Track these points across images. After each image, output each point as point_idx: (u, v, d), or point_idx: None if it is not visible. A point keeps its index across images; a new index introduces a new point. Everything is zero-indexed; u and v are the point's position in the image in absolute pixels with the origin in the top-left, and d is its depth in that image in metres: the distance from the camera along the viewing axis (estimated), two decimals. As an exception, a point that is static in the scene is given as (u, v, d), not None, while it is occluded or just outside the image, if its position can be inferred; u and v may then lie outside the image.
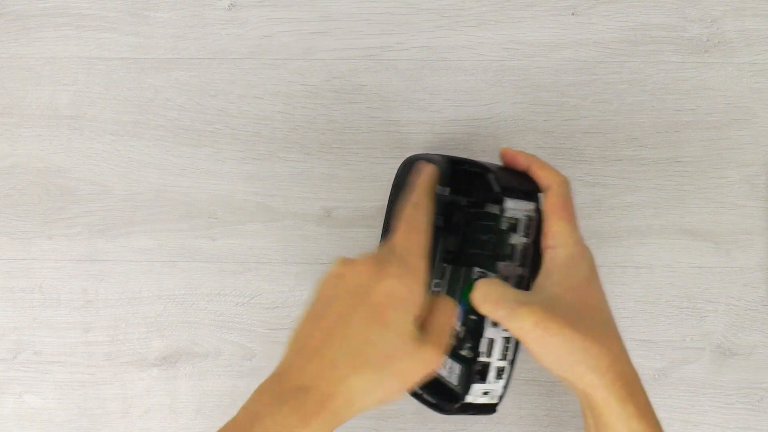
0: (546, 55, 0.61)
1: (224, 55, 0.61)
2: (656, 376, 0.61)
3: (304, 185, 0.61)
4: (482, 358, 0.47)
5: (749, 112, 0.61)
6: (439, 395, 0.49)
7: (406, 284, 0.40)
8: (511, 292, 0.44)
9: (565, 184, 0.47)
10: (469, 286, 0.47)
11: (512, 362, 0.47)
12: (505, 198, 0.46)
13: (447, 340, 0.41)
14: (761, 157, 0.61)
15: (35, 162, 0.61)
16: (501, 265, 0.47)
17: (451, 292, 0.52)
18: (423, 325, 0.41)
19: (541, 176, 0.47)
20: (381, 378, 0.39)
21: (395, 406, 0.61)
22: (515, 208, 0.46)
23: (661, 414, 0.61)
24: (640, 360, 0.61)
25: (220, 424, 0.41)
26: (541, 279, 0.45)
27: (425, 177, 0.46)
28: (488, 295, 0.44)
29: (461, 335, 0.49)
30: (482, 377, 0.47)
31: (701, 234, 0.61)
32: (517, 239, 0.47)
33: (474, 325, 0.48)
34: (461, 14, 0.61)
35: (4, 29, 0.61)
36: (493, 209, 0.49)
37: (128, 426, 0.61)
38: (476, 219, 0.50)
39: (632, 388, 0.44)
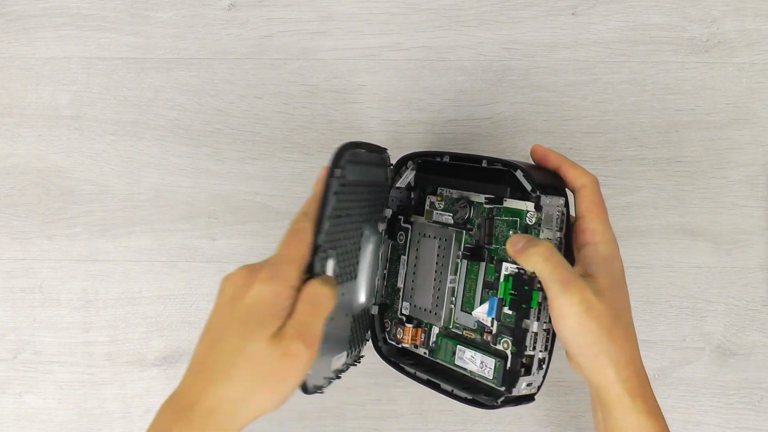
0: (546, 55, 0.61)
1: (224, 55, 0.61)
2: (656, 376, 0.61)
3: (304, 185, 0.61)
4: (528, 351, 0.48)
5: (749, 112, 0.61)
6: (472, 391, 0.50)
7: (273, 288, 0.40)
8: (568, 263, 0.46)
9: (598, 183, 0.49)
10: (507, 284, 0.49)
11: (551, 351, 0.49)
12: (540, 195, 0.47)
13: (313, 330, 0.41)
14: (761, 157, 0.61)
15: (35, 162, 0.61)
16: None
17: (469, 288, 0.52)
18: (288, 321, 0.41)
19: (574, 176, 0.49)
20: (253, 385, 0.39)
21: (395, 406, 0.61)
22: (549, 204, 0.48)
23: (661, 414, 0.61)
24: (640, 360, 0.61)
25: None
26: (582, 269, 0.47)
27: (320, 185, 0.44)
28: (552, 256, 0.45)
29: (494, 330, 0.50)
30: (527, 370, 0.48)
31: (701, 234, 0.61)
32: (551, 234, 0.48)
33: (508, 320, 0.49)
34: (461, 14, 0.61)
35: (4, 29, 0.61)
36: (517, 205, 0.50)
37: (128, 426, 0.61)
38: (496, 215, 0.51)
39: (645, 388, 0.46)
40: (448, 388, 0.52)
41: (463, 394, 0.51)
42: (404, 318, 0.56)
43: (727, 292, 0.61)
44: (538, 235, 0.48)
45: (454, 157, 0.53)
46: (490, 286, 0.51)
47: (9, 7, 0.61)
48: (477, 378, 0.51)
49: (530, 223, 0.49)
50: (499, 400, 0.49)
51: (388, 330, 0.56)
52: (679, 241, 0.61)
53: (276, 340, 0.39)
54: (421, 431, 0.61)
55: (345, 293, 0.50)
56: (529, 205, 0.49)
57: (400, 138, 0.61)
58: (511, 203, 0.50)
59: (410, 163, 0.55)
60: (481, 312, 0.51)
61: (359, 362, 0.54)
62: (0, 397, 0.61)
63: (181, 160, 0.61)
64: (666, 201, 0.61)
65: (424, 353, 0.55)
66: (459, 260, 0.53)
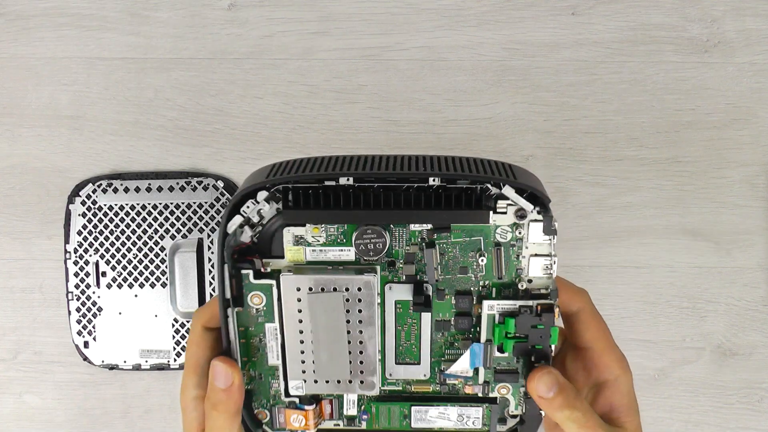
0: (546, 55, 0.61)
1: (224, 55, 0.61)
2: (656, 376, 0.61)
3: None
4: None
5: (749, 112, 0.61)
6: None
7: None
8: (603, 423, 0.40)
9: (588, 294, 0.42)
10: (501, 327, 0.38)
11: None
12: (546, 212, 0.37)
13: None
14: (761, 157, 0.61)
15: (35, 162, 0.61)
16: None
17: (405, 335, 0.40)
18: None
19: (565, 300, 0.41)
20: None
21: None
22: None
23: (661, 414, 0.61)
24: (640, 360, 0.61)
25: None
26: (605, 415, 0.41)
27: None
28: (589, 422, 0.38)
29: (480, 380, 0.40)
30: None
31: (701, 234, 0.61)
32: (544, 248, 0.38)
33: (503, 364, 0.40)
34: (461, 14, 0.61)
35: (4, 29, 0.61)
36: (475, 219, 0.37)
37: (128, 426, 0.61)
38: (438, 239, 0.38)
39: None
40: None
41: None
42: (297, 400, 0.40)
43: (727, 292, 0.61)
44: (519, 254, 0.38)
45: (360, 176, 0.36)
46: (444, 327, 0.39)
47: (9, 7, 0.61)
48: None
49: (504, 241, 0.38)
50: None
51: (266, 420, 0.41)
52: (679, 241, 0.61)
53: None
54: None
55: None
56: (499, 218, 0.37)
57: (400, 138, 0.61)
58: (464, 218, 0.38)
59: (264, 194, 0.37)
60: (461, 366, 0.40)
61: None
62: (0, 397, 0.61)
63: (181, 160, 0.61)
64: (666, 201, 0.61)
65: (340, 425, 0.42)
66: (378, 307, 0.39)
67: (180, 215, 0.60)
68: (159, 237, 0.60)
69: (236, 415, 0.39)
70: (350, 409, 0.41)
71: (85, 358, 0.60)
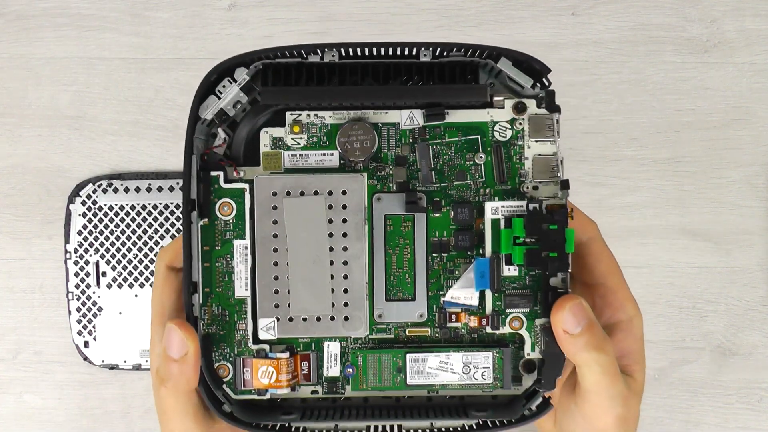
0: (546, 55, 0.61)
1: (224, 55, 0.61)
2: (656, 376, 0.61)
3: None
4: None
5: (749, 112, 0.61)
6: (464, 414, 0.34)
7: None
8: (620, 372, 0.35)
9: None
10: (509, 231, 0.33)
11: None
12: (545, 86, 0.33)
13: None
14: (761, 157, 0.61)
15: (35, 162, 0.61)
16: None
17: (396, 262, 0.34)
18: None
19: (577, 227, 0.37)
20: None
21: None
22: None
23: (661, 414, 0.61)
24: (640, 360, 0.61)
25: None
26: (618, 359, 0.37)
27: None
28: (612, 366, 0.33)
29: (488, 309, 0.34)
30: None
31: (701, 234, 0.61)
32: (548, 147, 0.34)
33: (515, 285, 0.34)
34: (461, 14, 0.61)
35: (4, 29, 0.61)
36: (471, 116, 0.34)
37: (128, 426, 0.61)
38: (432, 137, 0.34)
39: None
40: (424, 424, 0.34)
41: (458, 424, 0.34)
42: (267, 347, 0.34)
43: (727, 292, 0.61)
44: (522, 153, 0.34)
45: (347, 51, 0.32)
46: (442, 248, 0.34)
47: (9, 7, 0.61)
48: (457, 392, 0.35)
49: (504, 139, 0.34)
50: (525, 407, 0.34)
51: (227, 378, 0.34)
52: (679, 241, 0.61)
53: None
54: None
55: None
56: (497, 113, 0.34)
57: (400, 138, 0.61)
58: (458, 115, 0.34)
59: (243, 70, 0.33)
60: (462, 290, 0.34)
61: None
62: (0, 397, 0.61)
63: (181, 160, 0.61)
64: (666, 201, 0.61)
65: (318, 393, 0.34)
66: (365, 225, 0.34)
67: (180, 215, 0.60)
68: (159, 237, 0.60)
69: (188, 395, 0.33)
70: (331, 368, 0.34)
71: (86, 358, 0.60)
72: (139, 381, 0.61)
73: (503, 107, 0.34)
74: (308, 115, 0.33)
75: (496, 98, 0.34)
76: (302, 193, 0.33)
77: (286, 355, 0.33)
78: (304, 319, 0.33)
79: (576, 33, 0.61)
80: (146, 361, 0.60)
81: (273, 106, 0.33)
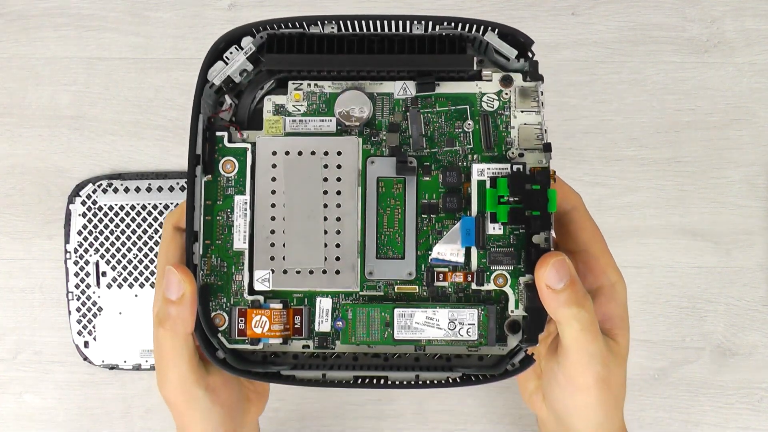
0: (546, 55, 0.61)
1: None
2: (656, 376, 0.61)
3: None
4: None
5: (749, 112, 0.61)
6: (448, 368, 0.36)
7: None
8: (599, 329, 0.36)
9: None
10: (493, 191, 0.35)
11: None
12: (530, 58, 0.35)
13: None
14: (761, 157, 0.61)
15: (35, 162, 0.61)
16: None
17: (387, 222, 0.37)
18: None
19: (561, 195, 0.39)
20: None
21: (395, 406, 0.61)
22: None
23: (661, 414, 0.61)
24: (640, 360, 0.61)
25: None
26: (600, 323, 0.38)
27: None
28: (591, 325, 0.35)
29: (479, 264, 0.36)
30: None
31: (701, 234, 0.61)
32: (533, 117, 0.37)
33: (499, 243, 0.36)
34: (461, 14, 0.61)
35: (4, 29, 0.61)
36: (459, 87, 0.37)
37: (128, 426, 0.61)
38: (423, 107, 0.37)
39: None
40: (409, 375, 0.35)
41: (442, 376, 0.35)
42: (261, 298, 0.36)
43: (727, 292, 0.61)
44: (508, 122, 0.36)
45: (344, 23, 0.36)
46: (431, 210, 0.36)
47: (9, 7, 0.61)
48: (443, 348, 0.36)
49: (491, 110, 0.36)
50: (507, 363, 0.35)
51: (223, 327, 0.36)
52: (679, 241, 0.61)
53: None
54: (421, 431, 0.61)
55: None
56: (485, 86, 0.37)
57: (400, 138, 0.61)
58: (449, 87, 0.37)
59: (249, 39, 0.37)
60: (448, 246, 0.36)
61: None
62: (0, 397, 0.61)
63: (182, 160, 0.61)
64: (666, 201, 0.61)
65: (309, 347, 0.36)
66: (358, 185, 0.36)
67: (180, 215, 0.60)
68: (159, 237, 0.60)
69: (185, 339, 0.34)
70: (323, 323, 0.36)
71: (86, 358, 0.60)
72: (140, 381, 0.61)
73: (491, 80, 0.37)
74: (309, 84, 0.37)
75: (484, 72, 0.37)
76: (300, 153, 0.36)
77: (280, 306, 0.35)
78: (298, 272, 0.36)
79: (576, 33, 0.61)
80: (146, 361, 0.60)
81: (276, 72, 0.36)
